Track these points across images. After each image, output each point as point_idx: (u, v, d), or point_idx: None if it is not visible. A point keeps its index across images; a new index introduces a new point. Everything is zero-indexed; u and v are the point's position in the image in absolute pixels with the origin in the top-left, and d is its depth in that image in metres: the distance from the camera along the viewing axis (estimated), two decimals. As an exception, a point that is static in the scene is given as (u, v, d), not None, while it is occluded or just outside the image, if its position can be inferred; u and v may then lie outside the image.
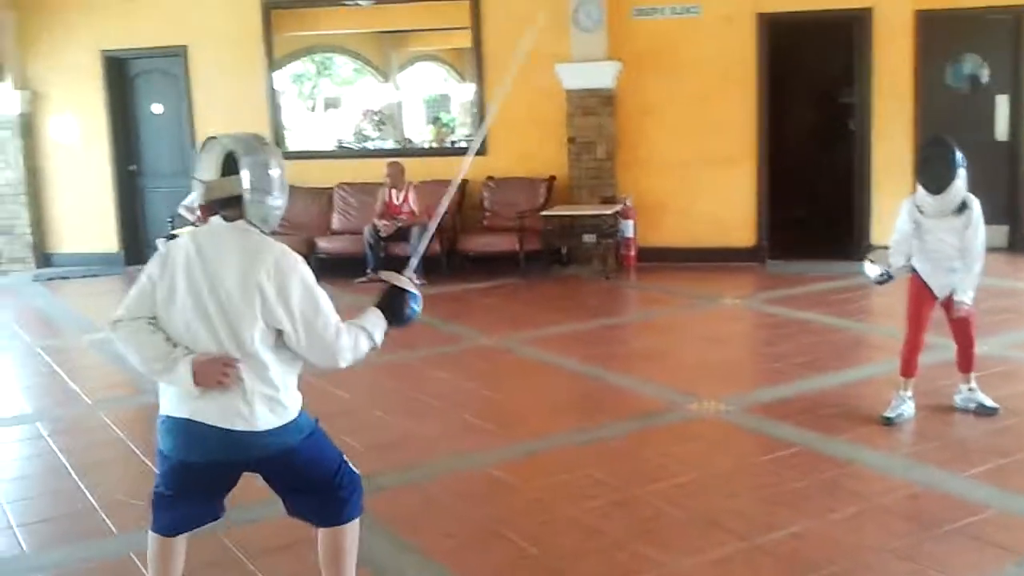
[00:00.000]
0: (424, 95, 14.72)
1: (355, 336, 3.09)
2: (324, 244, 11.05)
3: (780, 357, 6.91)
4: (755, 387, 6.29)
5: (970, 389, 5.52)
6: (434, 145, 13.01)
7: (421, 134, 14.01)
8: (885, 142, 10.46)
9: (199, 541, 3.34)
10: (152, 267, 3.05)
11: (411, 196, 10.59)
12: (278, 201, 3.06)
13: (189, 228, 11.68)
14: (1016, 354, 6.68)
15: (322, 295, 3.03)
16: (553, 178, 10.99)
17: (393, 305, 3.26)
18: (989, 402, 5.46)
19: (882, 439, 5.16)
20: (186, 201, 11.36)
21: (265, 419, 2.99)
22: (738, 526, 4.14)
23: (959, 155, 5.10)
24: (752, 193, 10.74)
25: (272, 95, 12.03)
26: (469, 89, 12.54)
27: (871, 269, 5.54)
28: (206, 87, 12.11)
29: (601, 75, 10.58)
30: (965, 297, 5.26)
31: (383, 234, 10.45)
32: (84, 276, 11.97)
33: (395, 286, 3.28)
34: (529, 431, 5.60)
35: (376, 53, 14.21)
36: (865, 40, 10.40)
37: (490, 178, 11.18)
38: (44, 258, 12.71)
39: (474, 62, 11.40)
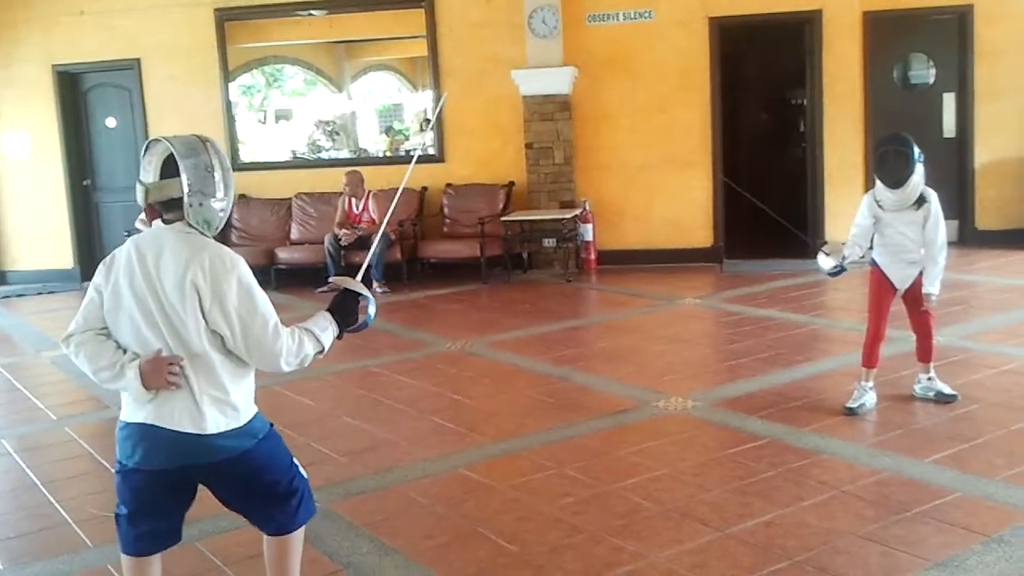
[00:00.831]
0: (377, 105, 14.73)
1: (299, 339, 3.04)
2: (284, 255, 11.03)
3: (742, 354, 7.02)
4: (720, 384, 6.38)
5: (929, 378, 5.65)
6: (388, 154, 13.04)
7: (375, 143, 14.03)
8: (836, 142, 10.67)
9: (176, 549, 3.32)
10: (97, 277, 3.05)
11: (371, 204, 10.61)
12: (220, 203, 3.03)
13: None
14: (971, 344, 6.85)
15: (261, 296, 2.99)
16: (512, 184, 11.07)
17: (345, 309, 3.21)
18: (948, 390, 5.60)
19: (847, 429, 5.27)
20: (142, 215, 11.23)
21: (215, 421, 2.97)
22: (712, 517, 4.22)
23: (917, 150, 5.22)
24: (708, 195, 10.89)
25: (227, 107, 11.99)
26: (422, 98, 12.59)
27: (825, 261, 5.59)
28: (160, 100, 12.07)
29: (557, 81, 10.67)
30: (933, 289, 5.39)
31: (344, 243, 10.45)
32: (40, 293, 11.83)
33: (348, 290, 3.25)
34: (499, 432, 5.64)
35: (329, 63, 14.20)
36: (815, 42, 10.60)
37: (449, 185, 11.23)
38: (-2, 276, 12.57)
39: (430, 70, 11.45)
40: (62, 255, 12.41)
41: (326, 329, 3.14)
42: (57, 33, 12.11)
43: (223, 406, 2.99)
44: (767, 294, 9.13)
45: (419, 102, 13.61)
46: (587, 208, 10.80)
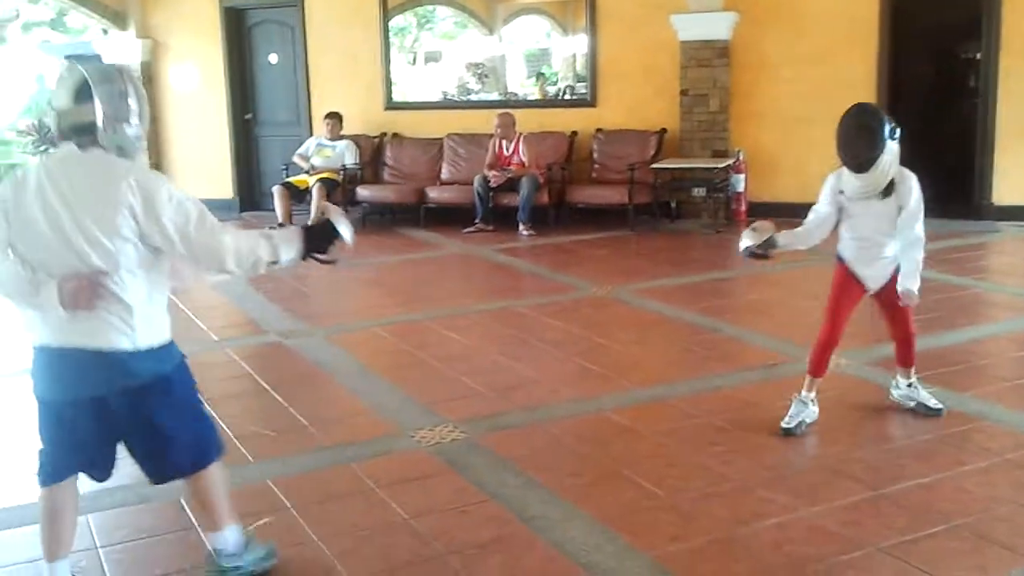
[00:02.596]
0: (525, 49, 14.66)
1: (253, 242, 3.11)
2: (434, 194, 11.18)
3: (899, 314, 6.78)
4: (874, 343, 6.15)
5: (909, 385, 4.85)
6: (538, 98, 12.99)
7: (522, 87, 14.00)
8: (1010, 98, 10.09)
9: (329, 472, 3.36)
10: (4, 195, 3.01)
11: (521, 147, 10.64)
12: (135, 130, 3.03)
13: (303, 175, 11.83)
14: None
15: (193, 202, 3.03)
16: (664, 131, 10.90)
17: (321, 235, 3.27)
18: (933, 402, 4.77)
19: (1012, 397, 5.05)
20: (300, 149, 11.61)
21: (144, 335, 3.01)
22: (865, 476, 4.12)
23: (888, 126, 4.29)
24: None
25: (386, 47, 12.16)
26: (572, 42, 12.47)
27: (745, 239, 4.61)
28: (321, 38, 12.32)
29: (717, 26, 10.42)
30: (912, 286, 4.47)
31: (493, 184, 10.53)
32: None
33: (330, 221, 3.28)
34: (646, 378, 5.63)
35: (481, 6, 14.16)
36: (994, -8, 10.02)
37: (599, 130, 11.15)
38: (162, 203, 13.13)
39: (587, 13, 11.33)
40: (223, 185, 12.89)
41: (291, 244, 3.19)
42: (225, -31, 12.48)
43: (149, 321, 3.03)
44: (927, 254, 8.71)
45: (568, 46, 13.48)
46: (741, 158, 10.56)
